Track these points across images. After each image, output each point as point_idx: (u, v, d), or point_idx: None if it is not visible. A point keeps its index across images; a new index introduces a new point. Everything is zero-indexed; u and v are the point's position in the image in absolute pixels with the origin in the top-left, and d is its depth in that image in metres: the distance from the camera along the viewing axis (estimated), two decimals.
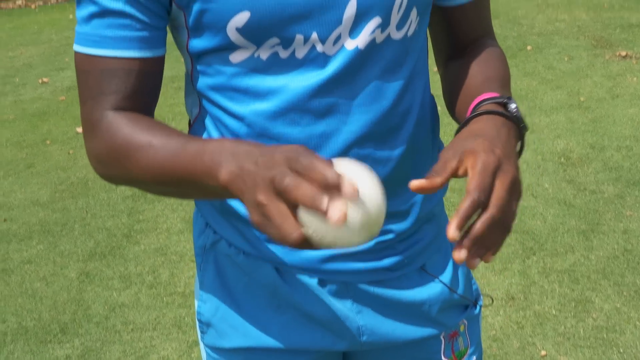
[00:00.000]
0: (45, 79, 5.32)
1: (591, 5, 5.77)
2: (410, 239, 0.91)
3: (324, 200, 0.57)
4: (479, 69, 0.87)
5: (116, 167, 0.79)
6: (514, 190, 0.66)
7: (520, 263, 2.53)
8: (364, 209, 0.60)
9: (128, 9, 0.76)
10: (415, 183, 0.64)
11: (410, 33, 0.82)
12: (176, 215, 3.09)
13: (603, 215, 2.77)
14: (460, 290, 0.97)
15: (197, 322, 0.98)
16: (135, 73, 0.79)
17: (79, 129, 4.24)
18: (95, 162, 0.83)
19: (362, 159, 0.77)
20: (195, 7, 0.76)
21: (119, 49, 0.78)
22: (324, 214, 0.56)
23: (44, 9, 8.16)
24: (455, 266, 0.97)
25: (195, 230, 0.96)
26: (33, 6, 8.38)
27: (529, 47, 4.88)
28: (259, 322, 0.92)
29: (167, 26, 0.82)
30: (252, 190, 0.62)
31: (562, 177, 3.11)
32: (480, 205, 0.62)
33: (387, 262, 0.89)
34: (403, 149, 0.85)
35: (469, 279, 1.00)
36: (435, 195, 0.93)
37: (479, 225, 0.62)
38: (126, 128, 0.77)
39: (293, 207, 0.59)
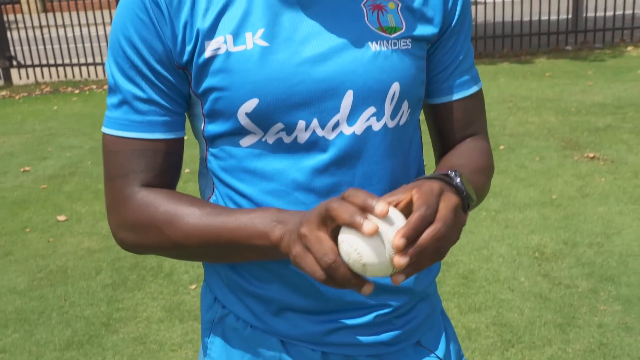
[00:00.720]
0: (27, 168, 5.36)
1: (559, 110, 6.06)
2: (407, 315, 0.97)
3: (361, 216, 0.66)
4: (453, 159, 0.96)
5: (155, 235, 0.87)
6: (457, 213, 0.72)
7: (499, 355, 2.56)
8: (394, 228, 0.68)
9: (154, 97, 0.87)
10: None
11: (402, 122, 0.92)
12: (156, 304, 3.08)
13: (578, 309, 2.83)
14: None
15: None
16: (161, 153, 0.88)
17: (60, 217, 4.25)
18: (126, 232, 0.89)
19: None
20: (211, 96, 0.86)
21: (147, 132, 0.87)
22: (359, 228, 0.65)
23: (28, 100, 8.30)
24: (449, 343, 1.02)
25: (204, 305, 1.01)
26: (17, 97, 8.52)
27: (501, 147, 5.08)
28: None
29: (185, 112, 0.91)
30: (296, 229, 0.72)
31: (537, 271, 3.19)
32: (427, 220, 0.68)
33: (385, 336, 0.94)
34: None
35: (459, 356, 1.05)
36: (429, 275, 1.00)
37: (426, 235, 0.67)
38: (165, 200, 0.86)
39: (334, 237, 0.69)
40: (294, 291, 0.91)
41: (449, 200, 0.71)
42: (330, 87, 0.85)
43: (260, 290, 0.93)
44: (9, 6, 15.13)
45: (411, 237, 0.66)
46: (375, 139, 0.89)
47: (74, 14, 13.22)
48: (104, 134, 0.89)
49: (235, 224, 0.82)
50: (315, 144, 0.87)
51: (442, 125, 1.02)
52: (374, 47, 0.87)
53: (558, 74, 7.68)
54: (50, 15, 16.25)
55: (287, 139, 0.87)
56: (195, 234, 0.84)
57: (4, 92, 8.79)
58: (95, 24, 9.70)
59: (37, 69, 9.52)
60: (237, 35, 0.84)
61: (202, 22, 0.84)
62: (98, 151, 5.65)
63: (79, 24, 9.48)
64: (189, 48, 0.85)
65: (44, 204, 4.53)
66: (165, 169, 0.89)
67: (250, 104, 0.84)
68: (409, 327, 0.97)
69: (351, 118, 0.87)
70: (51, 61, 9.63)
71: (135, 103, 0.87)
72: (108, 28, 9.48)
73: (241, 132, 0.87)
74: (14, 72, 9.62)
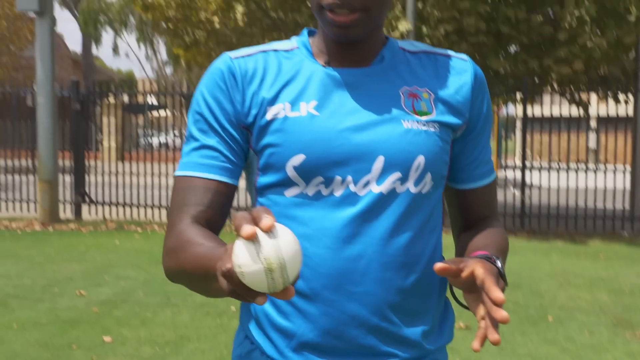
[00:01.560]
0: (82, 292, 5.56)
1: (612, 289, 5.97)
2: None
3: (246, 223, 0.71)
4: (481, 238, 1.10)
5: (172, 258, 1.00)
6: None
7: None
8: (275, 242, 0.71)
9: (219, 147, 1.06)
10: (439, 265, 0.84)
11: (424, 191, 1.07)
12: None
13: None
14: None
15: None
16: (213, 191, 1.04)
17: (106, 338, 4.35)
18: (163, 257, 1.04)
19: (381, 282, 1.01)
20: (267, 151, 1.04)
21: (205, 172, 1.05)
22: (239, 232, 0.70)
23: (94, 234, 8.72)
24: None
25: (235, 343, 1.14)
26: (84, 230, 8.97)
27: (550, 318, 5.00)
28: None
29: (242, 168, 1.09)
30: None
31: None
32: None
33: None
34: (413, 283, 1.05)
35: None
36: (440, 338, 1.10)
37: (499, 313, 0.85)
38: (193, 232, 0.99)
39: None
40: (315, 328, 1.03)
41: (501, 285, 0.93)
42: (365, 151, 1.03)
43: (285, 323, 1.05)
44: (91, 152, 16.36)
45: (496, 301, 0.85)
46: (398, 200, 1.04)
47: (146, 163, 14.14)
48: (174, 177, 1.08)
49: (211, 255, 0.86)
50: (347, 198, 1.02)
51: (466, 207, 1.19)
52: (406, 124, 1.06)
53: (613, 256, 7.63)
54: (126, 163, 17.36)
55: (325, 192, 1.03)
56: (190, 261, 0.93)
57: (72, 225, 9.28)
58: (160, 175, 10.35)
59: (106, 207, 10.09)
60: (294, 104, 1.04)
61: (268, 92, 1.06)
62: (151, 283, 5.84)
63: (149, 173, 10.13)
64: (254, 112, 1.05)
65: (93, 325, 4.65)
66: (213, 207, 1.04)
67: (298, 159, 1.02)
68: None
69: (380, 179, 1.04)
70: (120, 200, 10.21)
71: (203, 150, 1.06)
72: (171, 179, 10.09)
73: (287, 183, 1.03)
74: (84, 207, 10.22)
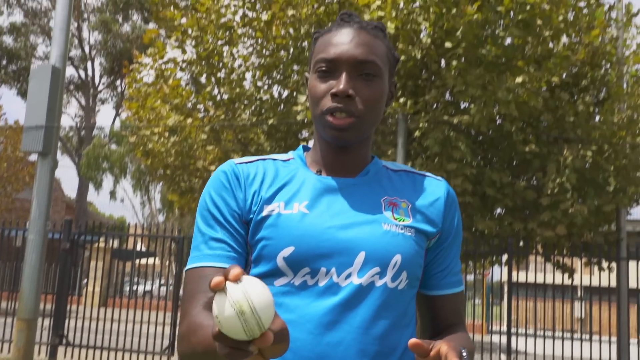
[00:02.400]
0: None
1: None
2: None
3: (217, 278, 0.80)
4: (450, 337, 1.21)
5: (185, 342, 1.08)
6: None
7: None
8: (242, 287, 0.79)
9: (224, 238, 1.17)
10: (413, 340, 0.92)
11: (400, 287, 1.18)
12: None
13: None
14: None
15: None
16: None
17: None
18: (178, 342, 1.11)
19: None
20: (260, 244, 1.15)
21: (214, 262, 1.15)
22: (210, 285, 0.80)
23: None
24: None
25: None
26: None
27: None
28: None
29: (245, 258, 1.19)
30: None
31: None
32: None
33: None
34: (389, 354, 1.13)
35: None
36: None
37: None
38: (202, 315, 1.07)
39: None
40: None
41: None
42: (348, 246, 1.15)
43: None
44: (74, 297, 16.12)
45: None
46: (376, 292, 1.15)
47: (129, 310, 13.86)
48: (185, 272, 1.17)
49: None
50: (330, 288, 1.13)
51: (436, 313, 1.30)
52: (385, 227, 1.20)
53: None
54: (108, 309, 17.07)
55: (310, 282, 1.13)
56: (199, 342, 1.02)
57: None
58: (141, 322, 10.17)
59: (83, 350, 9.78)
60: (287, 203, 1.18)
61: (266, 193, 1.20)
62: None
63: (130, 320, 9.97)
64: (254, 209, 1.17)
65: None
66: None
67: (288, 250, 1.14)
68: None
69: (361, 272, 1.15)
70: (98, 344, 9.93)
71: (210, 242, 1.17)
72: (159, 327, 9.94)
73: (276, 273, 1.14)
74: (60, 350, 9.90)
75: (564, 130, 9.14)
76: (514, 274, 9.50)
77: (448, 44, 8.05)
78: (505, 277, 15.88)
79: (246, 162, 1.24)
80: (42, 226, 9.38)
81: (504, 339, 10.76)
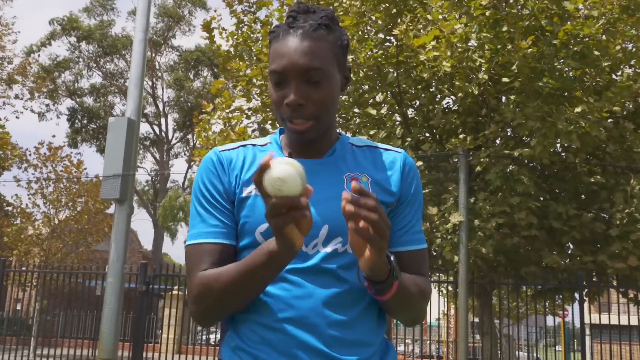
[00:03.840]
0: None
1: None
2: None
3: (264, 158, 1.14)
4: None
5: (206, 295, 1.32)
6: (383, 223, 1.23)
7: None
8: (280, 164, 1.16)
9: (218, 216, 1.42)
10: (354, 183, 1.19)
11: None
12: None
13: None
14: None
15: None
16: (219, 252, 1.39)
17: None
18: (191, 304, 1.36)
19: (324, 317, 1.33)
20: (242, 221, 1.39)
21: (211, 238, 1.40)
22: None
23: None
24: None
25: None
26: None
27: None
28: None
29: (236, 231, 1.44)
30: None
31: None
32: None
33: None
34: (353, 319, 1.36)
35: None
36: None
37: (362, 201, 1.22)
38: (213, 270, 1.35)
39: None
40: (275, 352, 1.33)
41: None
42: (314, 221, 1.34)
43: (253, 350, 1.34)
44: (150, 345, 16.62)
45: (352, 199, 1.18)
46: (340, 257, 1.38)
47: (202, 357, 14.14)
48: (186, 247, 1.42)
49: (248, 258, 1.31)
50: (300, 256, 1.35)
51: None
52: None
53: None
54: (182, 356, 17.44)
55: None
56: (230, 278, 1.29)
57: None
58: None
59: None
60: None
61: (244, 175, 1.44)
62: None
63: None
64: (236, 190, 1.42)
65: None
66: (221, 264, 1.38)
67: (263, 226, 1.37)
68: None
69: (325, 242, 1.38)
70: None
71: (205, 221, 1.41)
72: None
73: (255, 245, 1.36)
74: None
75: (632, 160, 8.99)
76: (594, 316, 9.23)
77: (505, 79, 8.14)
78: (583, 319, 15.31)
79: (228, 149, 1.48)
80: (120, 269, 9.86)
81: None
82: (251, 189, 1.40)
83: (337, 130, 1.56)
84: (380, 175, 1.48)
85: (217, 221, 1.40)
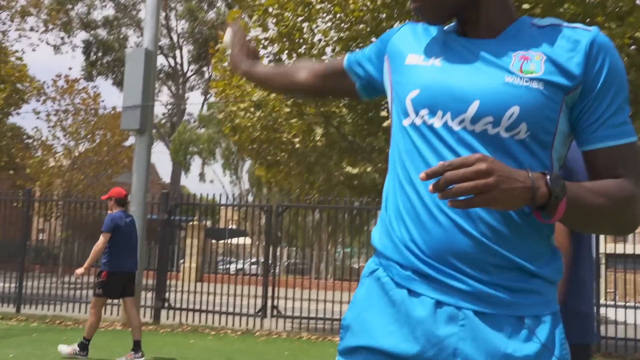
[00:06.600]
0: None
1: None
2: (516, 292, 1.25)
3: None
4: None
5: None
6: (498, 169, 1.12)
7: None
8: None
9: (367, 66, 1.57)
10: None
11: (518, 138, 1.24)
12: None
13: None
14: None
15: (340, 331, 1.38)
16: (333, 65, 1.66)
17: None
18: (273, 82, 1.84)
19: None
20: (395, 87, 1.42)
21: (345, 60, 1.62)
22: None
23: (170, 334, 9.06)
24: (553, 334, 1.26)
25: (367, 264, 1.41)
26: (161, 331, 9.32)
27: None
28: (384, 329, 1.29)
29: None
30: None
31: None
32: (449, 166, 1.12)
33: (494, 294, 1.24)
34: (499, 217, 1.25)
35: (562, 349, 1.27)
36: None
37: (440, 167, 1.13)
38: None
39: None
40: (415, 229, 1.28)
41: (495, 161, 1.12)
42: (465, 95, 1.27)
43: (398, 234, 1.30)
44: (172, 273, 17.13)
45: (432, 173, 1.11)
46: (488, 140, 1.24)
47: (223, 285, 14.64)
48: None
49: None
50: (445, 129, 1.28)
51: (591, 169, 1.31)
52: (507, 79, 1.26)
53: None
54: (204, 284, 17.99)
55: (429, 122, 1.30)
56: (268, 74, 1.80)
57: (151, 327, 9.70)
58: (235, 295, 10.73)
59: (183, 313, 10.49)
60: (426, 57, 1.39)
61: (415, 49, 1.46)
62: None
63: (224, 294, 10.55)
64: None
65: None
66: (325, 73, 1.68)
67: (414, 92, 1.33)
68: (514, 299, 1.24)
69: (474, 119, 1.25)
70: (197, 307, 10.61)
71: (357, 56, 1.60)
72: (245, 299, 10.52)
73: (404, 113, 1.35)
74: (163, 313, 10.66)
75: None
76: (609, 245, 9.28)
77: (526, 5, 8.02)
78: (599, 248, 15.46)
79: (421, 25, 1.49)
80: (142, 198, 10.10)
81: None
82: (417, 59, 1.39)
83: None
84: (558, 53, 1.27)
85: (362, 68, 1.59)
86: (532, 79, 1.24)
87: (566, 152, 1.35)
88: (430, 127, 1.29)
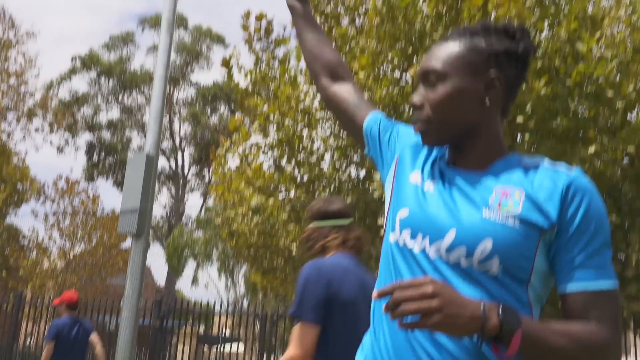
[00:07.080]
0: None
1: None
2: None
3: None
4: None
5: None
6: (450, 296, 1.13)
7: None
8: None
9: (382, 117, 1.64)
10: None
11: (491, 272, 1.25)
12: None
13: None
14: None
15: None
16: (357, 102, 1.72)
17: None
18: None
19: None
20: (394, 195, 1.46)
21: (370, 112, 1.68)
22: None
23: None
24: None
25: None
26: None
27: None
28: None
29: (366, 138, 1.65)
30: None
31: None
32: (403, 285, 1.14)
33: None
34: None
35: None
36: None
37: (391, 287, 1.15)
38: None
39: None
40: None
41: (449, 286, 1.16)
42: (444, 223, 1.31)
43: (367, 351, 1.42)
44: None
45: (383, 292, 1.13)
46: (460, 270, 1.27)
47: None
48: None
49: None
50: (422, 255, 1.31)
51: (565, 312, 1.27)
52: (485, 214, 1.28)
53: None
54: None
55: (409, 244, 1.34)
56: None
57: None
58: None
59: None
60: (424, 180, 1.43)
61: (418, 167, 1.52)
62: None
63: None
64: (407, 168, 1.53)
65: None
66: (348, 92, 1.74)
67: (404, 212, 1.37)
68: None
69: (449, 249, 1.28)
70: None
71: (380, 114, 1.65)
72: None
73: (392, 229, 1.39)
74: None
75: None
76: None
77: (519, 119, 8.21)
78: None
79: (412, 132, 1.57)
80: (135, 303, 9.88)
81: None
82: (417, 178, 1.43)
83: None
84: (538, 193, 1.28)
85: (381, 116, 1.64)
86: (508, 216, 1.26)
87: (548, 291, 1.33)
88: (410, 252, 1.33)
